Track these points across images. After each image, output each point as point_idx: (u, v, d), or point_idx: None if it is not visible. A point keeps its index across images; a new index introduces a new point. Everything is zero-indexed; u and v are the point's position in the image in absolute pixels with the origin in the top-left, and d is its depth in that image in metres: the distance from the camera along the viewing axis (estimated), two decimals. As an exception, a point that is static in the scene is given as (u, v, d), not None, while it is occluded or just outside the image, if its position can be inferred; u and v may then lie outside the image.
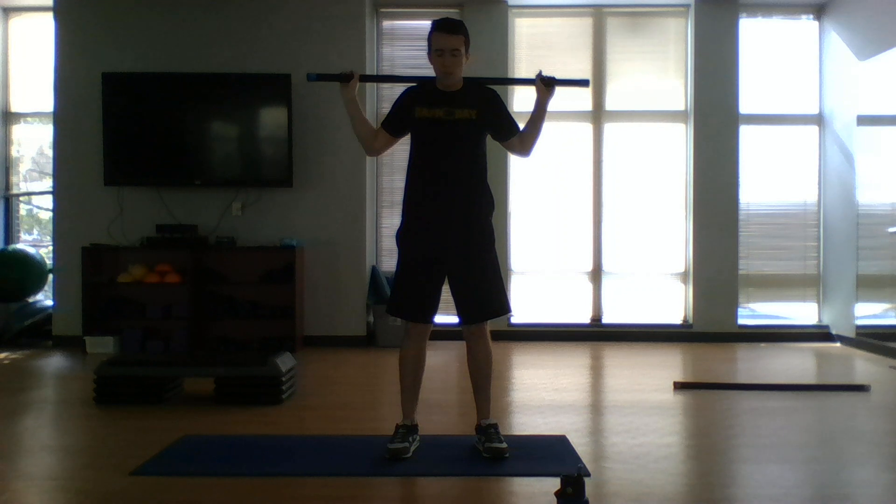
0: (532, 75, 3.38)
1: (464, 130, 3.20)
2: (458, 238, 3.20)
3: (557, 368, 5.41)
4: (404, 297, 3.23)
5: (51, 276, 6.83)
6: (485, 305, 3.21)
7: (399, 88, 4.08)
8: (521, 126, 3.35)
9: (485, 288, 3.21)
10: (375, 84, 6.84)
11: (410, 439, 3.15)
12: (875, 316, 6.22)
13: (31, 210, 7.61)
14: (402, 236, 3.29)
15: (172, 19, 6.51)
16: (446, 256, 3.20)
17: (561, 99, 6.88)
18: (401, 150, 6.87)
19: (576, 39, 6.93)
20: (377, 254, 6.88)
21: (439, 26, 3.19)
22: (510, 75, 6.75)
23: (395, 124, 3.31)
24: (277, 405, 4.07)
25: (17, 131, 7.22)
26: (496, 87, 3.45)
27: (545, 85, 3.30)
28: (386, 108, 6.77)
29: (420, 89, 3.31)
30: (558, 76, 3.33)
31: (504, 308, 3.26)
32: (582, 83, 3.62)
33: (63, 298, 6.43)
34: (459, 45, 3.15)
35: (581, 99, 6.88)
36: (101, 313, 6.23)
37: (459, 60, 3.18)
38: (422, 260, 3.20)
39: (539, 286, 6.94)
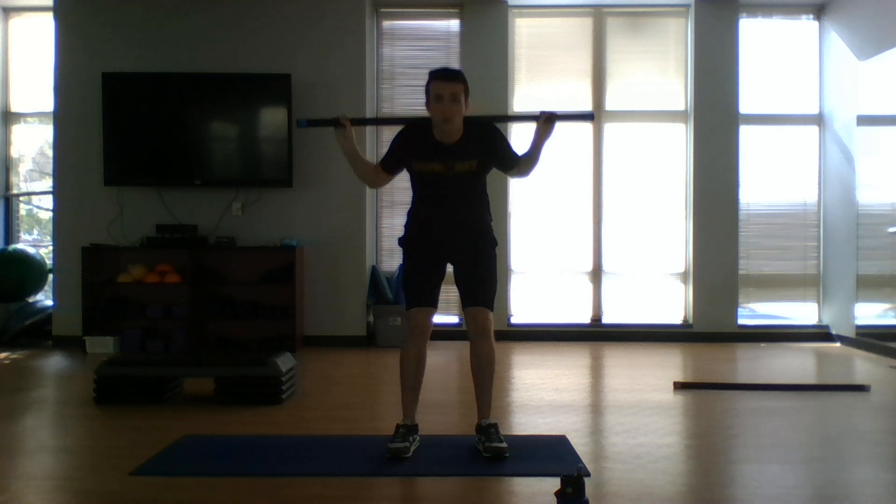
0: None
1: (464, 179, 3.22)
2: (462, 242, 3.29)
3: (557, 368, 5.41)
4: (411, 285, 3.30)
5: (51, 276, 6.83)
6: (485, 288, 3.27)
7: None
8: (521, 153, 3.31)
9: (485, 276, 3.28)
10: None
11: (411, 439, 3.15)
12: (875, 316, 6.23)
13: (31, 210, 7.61)
14: (406, 241, 3.37)
15: (172, 19, 6.51)
16: (450, 254, 3.30)
17: (561, 99, 6.95)
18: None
19: (576, 39, 6.93)
20: (377, 254, 6.87)
21: (438, 75, 3.14)
22: (510, 76, 6.75)
23: (392, 167, 3.32)
24: (277, 405, 4.07)
25: (17, 131, 7.22)
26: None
27: (547, 122, 3.22)
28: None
29: (416, 138, 3.22)
30: (559, 110, 3.27)
31: (489, 302, 3.26)
32: (586, 116, 3.59)
33: (63, 298, 6.43)
34: (459, 90, 3.09)
35: (581, 99, 6.89)
36: (101, 313, 6.23)
37: (459, 107, 3.10)
38: (425, 254, 3.30)
39: (539, 286, 6.94)
